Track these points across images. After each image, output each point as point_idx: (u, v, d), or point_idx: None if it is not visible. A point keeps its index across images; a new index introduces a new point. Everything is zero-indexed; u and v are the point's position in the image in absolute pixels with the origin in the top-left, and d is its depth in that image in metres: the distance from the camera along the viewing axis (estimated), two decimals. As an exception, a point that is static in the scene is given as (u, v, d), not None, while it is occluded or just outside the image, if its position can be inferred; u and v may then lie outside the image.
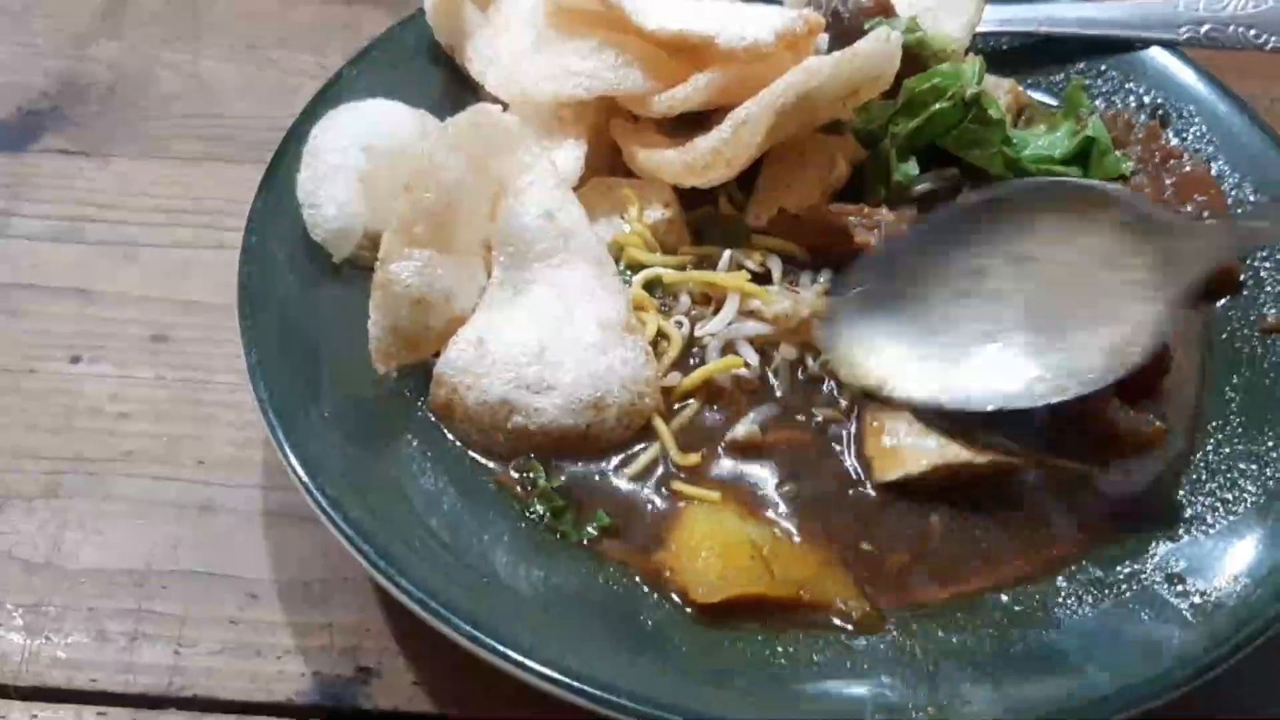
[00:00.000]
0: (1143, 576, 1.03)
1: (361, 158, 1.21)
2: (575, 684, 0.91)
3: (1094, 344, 1.08)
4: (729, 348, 1.17)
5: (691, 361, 1.17)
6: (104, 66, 1.67)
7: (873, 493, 1.10)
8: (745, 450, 1.12)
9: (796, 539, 1.06)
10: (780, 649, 0.98)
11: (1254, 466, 1.10)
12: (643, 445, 1.12)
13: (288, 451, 1.02)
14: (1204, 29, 1.45)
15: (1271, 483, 1.08)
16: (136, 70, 1.67)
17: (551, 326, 1.13)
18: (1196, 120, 1.40)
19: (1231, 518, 1.06)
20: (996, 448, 1.11)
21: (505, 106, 1.28)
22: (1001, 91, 1.38)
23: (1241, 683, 1.00)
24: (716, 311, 1.19)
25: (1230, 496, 1.08)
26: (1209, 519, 1.07)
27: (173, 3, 1.79)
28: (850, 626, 1.00)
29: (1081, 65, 1.49)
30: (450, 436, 1.11)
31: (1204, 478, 1.11)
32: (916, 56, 1.31)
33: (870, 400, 1.14)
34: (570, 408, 1.09)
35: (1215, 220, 1.12)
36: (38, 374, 1.29)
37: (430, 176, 1.11)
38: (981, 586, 1.04)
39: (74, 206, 1.47)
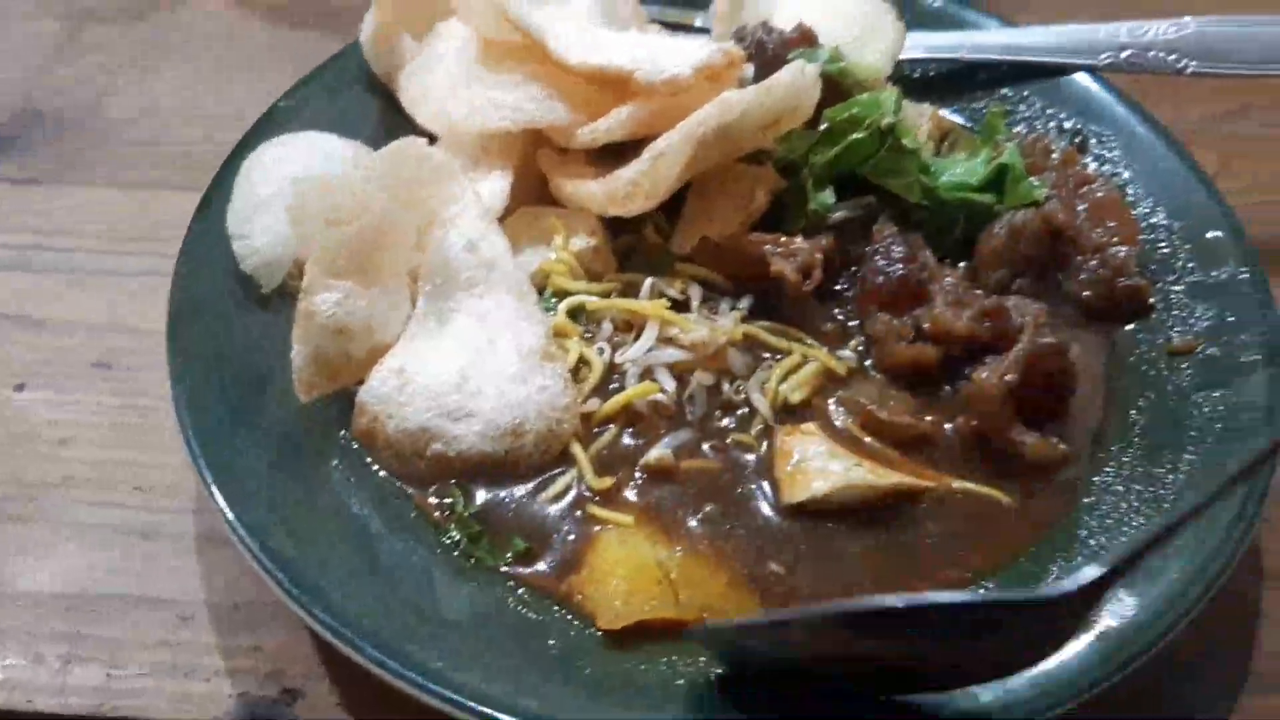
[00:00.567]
0: (1038, 596, 1.06)
1: (290, 191, 1.24)
2: (483, 709, 0.94)
3: None
4: (648, 374, 1.20)
5: (611, 387, 1.20)
6: (55, 94, 1.70)
7: (781, 515, 1.13)
8: (659, 474, 1.15)
9: (706, 561, 1.09)
10: (686, 671, 1.01)
11: (1150, 489, 1.13)
12: (560, 469, 1.15)
13: (208, 478, 1.06)
14: (1124, 54, 1.49)
15: (1165, 505, 1.11)
16: (88, 98, 1.70)
17: (472, 356, 1.16)
18: (1115, 145, 1.44)
19: (1123, 539, 1.09)
20: (902, 470, 1.15)
21: (433, 139, 1.31)
22: (923, 119, 1.41)
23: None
24: (638, 338, 1.23)
25: (1125, 519, 1.11)
26: (1104, 541, 1.10)
27: (125, 32, 1.82)
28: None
29: (1005, 91, 1.52)
30: (372, 463, 1.14)
31: (1101, 500, 1.14)
32: (839, 86, 1.35)
33: (781, 425, 1.18)
34: (489, 435, 1.12)
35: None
36: (-19, 401, 1.32)
37: (353, 209, 1.15)
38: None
39: (22, 234, 1.50)
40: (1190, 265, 1.31)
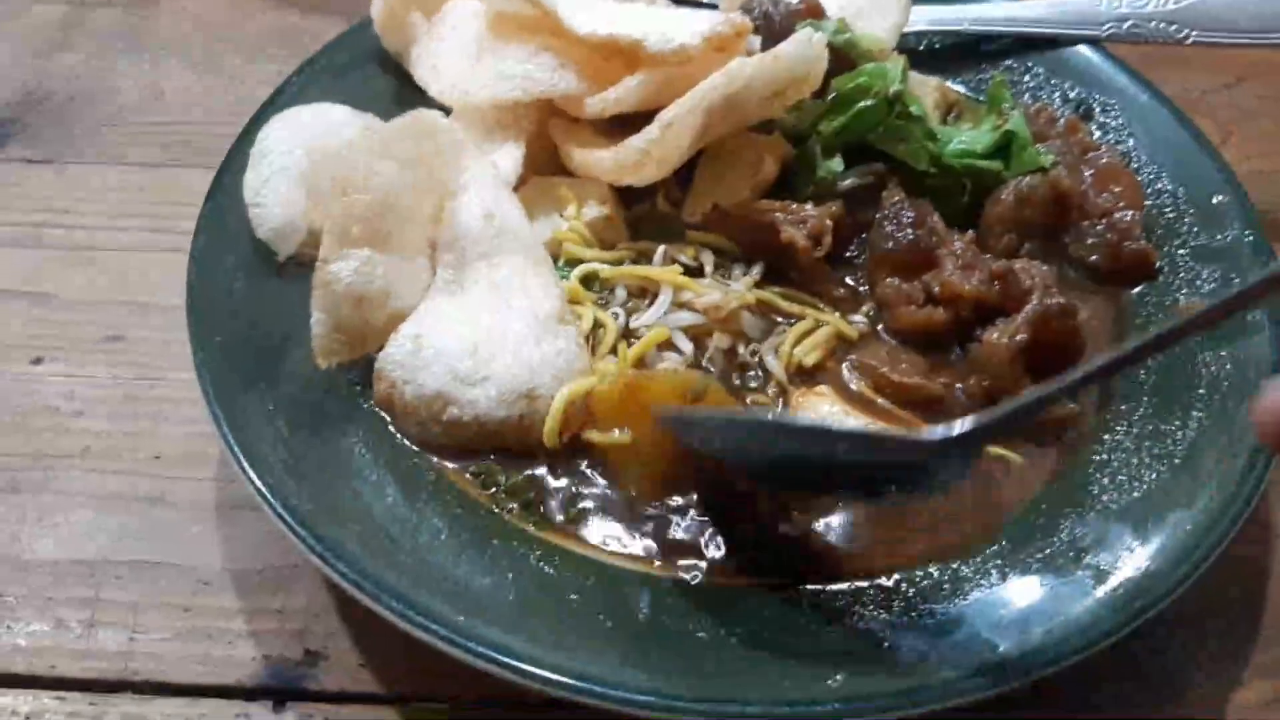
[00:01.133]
0: (1050, 551, 1.07)
1: (305, 159, 1.25)
2: (505, 659, 0.95)
3: None
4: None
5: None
6: (63, 77, 1.71)
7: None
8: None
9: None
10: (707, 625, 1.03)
11: (1160, 445, 1.15)
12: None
13: (231, 442, 1.07)
14: (1126, 25, 1.50)
15: (1176, 460, 1.13)
16: (95, 80, 1.71)
17: (488, 321, 1.17)
18: (1118, 113, 1.46)
19: (1136, 495, 1.11)
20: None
21: (448, 111, 1.32)
22: (928, 89, 1.43)
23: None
24: (652, 305, 1.24)
25: (1136, 475, 1.13)
26: (1115, 497, 1.11)
27: (130, 14, 1.83)
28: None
29: (1009, 62, 1.54)
30: (393, 428, 1.15)
31: (1112, 457, 1.15)
32: (846, 57, 1.36)
33: (795, 388, 1.19)
34: (503, 399, 1.13)
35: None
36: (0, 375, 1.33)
37: (364, 180, 1.16)
38: (893, 563, 1.08)
39: (33, 213, 1.51)
40: (1195, 229, 1.33)
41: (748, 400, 1.19)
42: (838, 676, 0.97)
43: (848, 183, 1.31)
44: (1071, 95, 1.50)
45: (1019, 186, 1.31)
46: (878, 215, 1.29)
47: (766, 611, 1.04)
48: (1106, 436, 1.17)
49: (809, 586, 1.06)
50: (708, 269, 1.27)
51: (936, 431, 0.94)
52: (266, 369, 1.16)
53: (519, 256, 1.22)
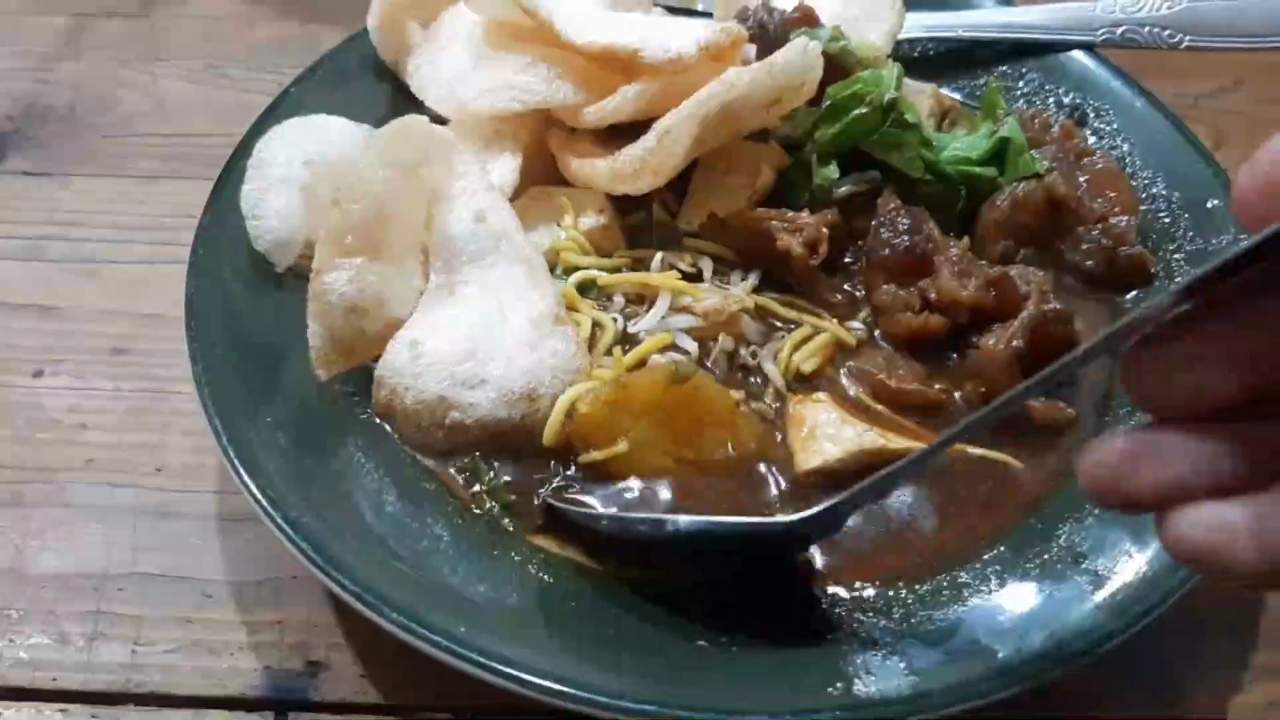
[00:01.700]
0: (1049, 557, 1.08)
1: (303, 171, 1.26)
2: (506, 670, 0.95)
3: None
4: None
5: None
6: (65, 88, 1.72)
7: (793, 484, 1.15)
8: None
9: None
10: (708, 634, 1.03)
11: (1156, 449, 1.15)
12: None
13: (232, 455, 1.07)
14: (1120, 30, 1.51)
15: (1173, 464, 1.13)
16: (97, 91, 1.72)
17: (484, 324, 1.17)
18: (1112, 118, 1.46)
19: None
20: (913, 436, 1.17)
21: (444, 122, 1.33)
22: (923, 96, 1.43)
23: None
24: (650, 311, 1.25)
25: (1134, 478, 1.13)
26: (1113, 500, 1.12)
27: (132, 25, 1.84)
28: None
29: (1003, 68, 1.55)
30: (393, 437, 1.16)
31: (1109, 461, 1.15)
32: (841, 65, 1.37)
33: (793, 394, 1.20)
34: (504, 400, 1.14)
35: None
36: (3, 388, 1.33)
37: (357, 189, 1.16)
38: (892, 570, 1.08)
39: (36, 226, 1.51)
40: (1190, 234, 1.33)
41: (750, 405, 1.20)
42: (838, 684, 0.97)
43: (843, 190, 1.32)
44: (1066, 101, 1.50)
45: (1014, 193, 1.31)
46: (874, 222, 1.29)
47: (767, 620, 1.04)
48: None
49: (809, 595, 1.06)
50: (706, 275, 1.27)
51: (790, 518, 1.03)
52: (265, 381, 1.16)
53: (511, 258, 1.22)
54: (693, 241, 1.30)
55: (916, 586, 1.07)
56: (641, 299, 1.26)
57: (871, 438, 1.14)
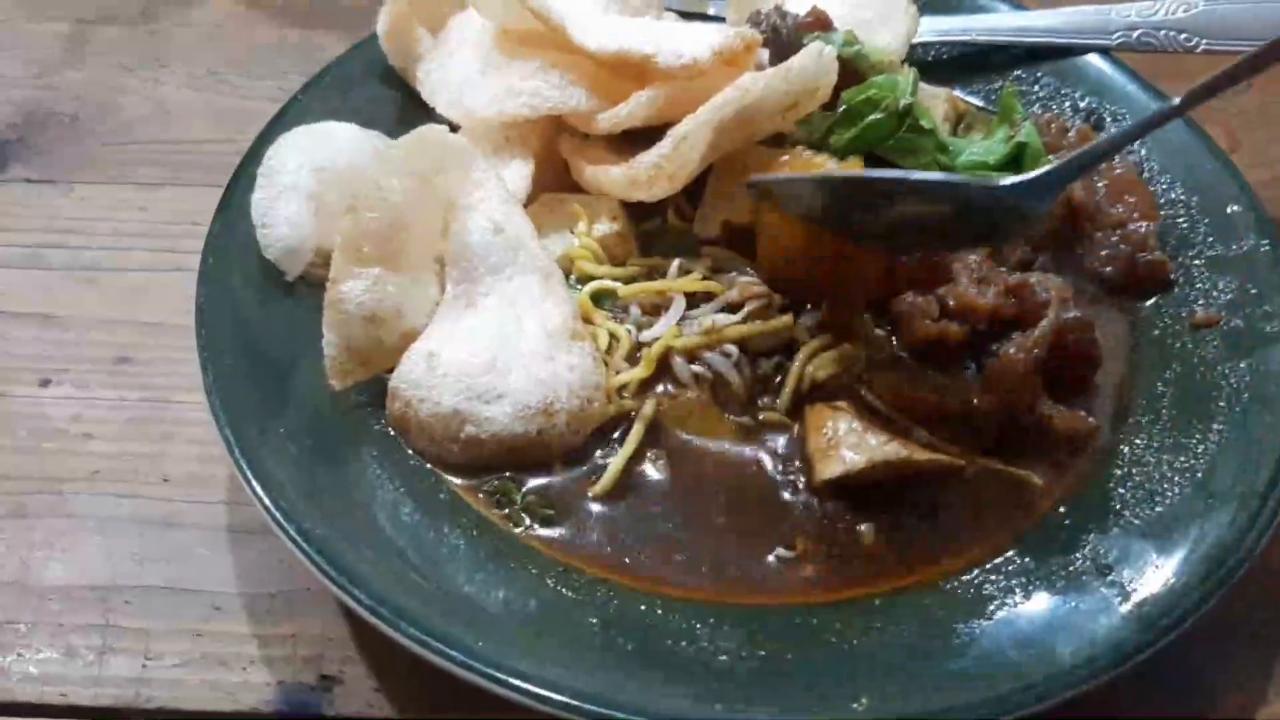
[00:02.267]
0: (1074, 568, 1.06)
1: (313, 178, 1.24)
2: (523, 685, 0.94)
3: None
4: (688, 354, 1.20)
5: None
6: (67, 95, 1.70)
7: (811, 493, 1.14)
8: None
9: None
10: (726, 648, 1.02)
11: (1181, 459, 1.14)
12: (594, 450, 1.16)
13: (244, 466, 1.05)
14: (1136, 34, 1.50)
15: (1198, 474, 1.12)
16: (99, 98, 1.70)
17: (501, 337, 1.16)
18: (1128, 121, 1.45)
19: (1159, 509, 1.10)
20: (935, 447, 1.15)
21: (455, 128, 1.31)
22: (939, 101, 1.42)
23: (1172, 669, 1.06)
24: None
25: (1158, 489, 1.12)
26: (1138, 511, 1.10)
27: (134, 31, 1.82)
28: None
29: (1018, 72, 1.54)
30: (407, 448, 1.14)
31: (1133, 471, 1.14)
32: (855, 69, 1.35)
33: (814, 400, 1.18)
34: (520, 415, 1.12)
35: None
36: (7, 398, 1.32)
37: (374, 198, 1.15)
38: (915, 581, 1.07)
39: (38, 234, 1.50)
40: (1210, 239, 1.32)
41: (759, 418, 1.19)
42: (863, 699, 0.96)
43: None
44: (1082, 105, 1.49)
45: (1032, 198, 1.29)
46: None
47: (790, 632, 1.03)
48: (1126, 450, 1.16)
49: (831, 606, 1.05)
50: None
51: (1009, 179, 1.10)
52: (277, 391, 1.14)
53: (528, 270, 1.21)
54: (709, 249, 1.29)
55: (940, 598, 1.06)
56: (658, 310, 1.24)
57: (894, 448, 1.12)
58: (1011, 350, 1.17)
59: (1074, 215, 1.30)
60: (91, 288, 1.44)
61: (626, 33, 1.29)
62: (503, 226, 1.20)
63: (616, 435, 1.17)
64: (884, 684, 0.98)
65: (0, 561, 1.17)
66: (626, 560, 1.08)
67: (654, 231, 1.33)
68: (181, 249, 1.46)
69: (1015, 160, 1.32)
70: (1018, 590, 1.05)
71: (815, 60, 1.26)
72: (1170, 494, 1.11)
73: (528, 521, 1.10)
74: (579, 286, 1.25)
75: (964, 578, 1.07)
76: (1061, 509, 1.13)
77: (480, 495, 1.12)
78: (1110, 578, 1.05)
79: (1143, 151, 1.42)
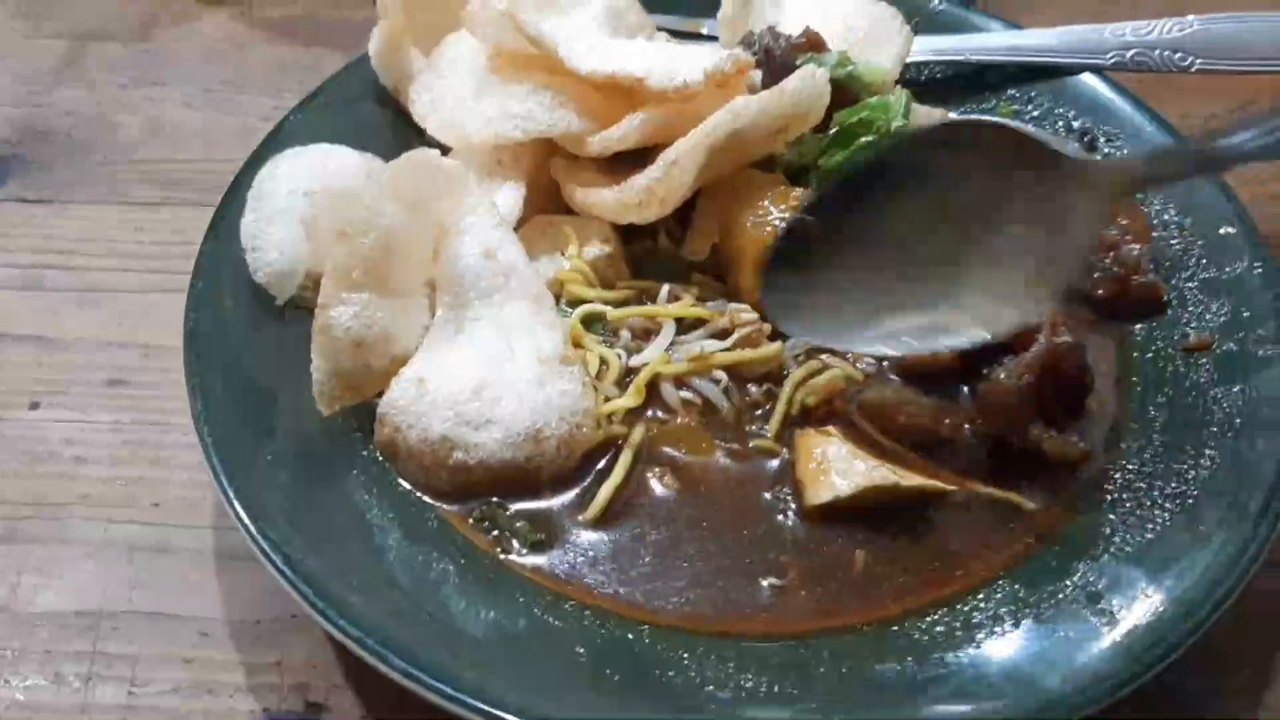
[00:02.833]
0: (1063, 596, 1.06)
1: (305, 202, 1.24)
2: (511, 717, 0.93)
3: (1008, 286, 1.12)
4: (678, 381, 1.21)
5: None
6: (64, 113, 1.71)
7: (801, 519, 1.13)
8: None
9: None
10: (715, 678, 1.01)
11: (1173, 484, 1.13)
12: (582, 477, 1.16)
13: (230, 494, 1.05)
14: (1130, 53, 1.49)
15: (1189, 500, 1.11)
16: (96, 116, 1.71)
17: (491, 363, 1.16)
18: (1123, 142, 1.44)
19: (1149, 536, 1.09)
20: (925, 471, 1.15)
21: (446, 150, 1.31)
22: (931, 121, 1.41)
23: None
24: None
25: (1149, 515, 1.11)
26: (1128, 537, 1.10)
27: (131, 49, 1.83)
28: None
29: (1012, 92, 1.53)
30: (395, 475, 1.14)
31: (1124, 496, 1.13)
32: (848, 90, 1.35)
33: (804, 425, 1.18)
34: (509, 441, 1.12)
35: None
36: (-1, 421, 1.32)
37: (365, 222, 1.14)
38: (904, 609, 1.06)
39: (32, 254, 1.50)
40: (1203, 261, 1.31)
41: (750, 445, 1.19)
42: (848, 730, 0.96)
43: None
44: (1075, 125, 1.48)
45: (1025, 220, 1.29)
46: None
47: (777, 662, 1.02)
48: (1118, 475, 1.15)
49: (820, 637, 1.04)
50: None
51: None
52: (265, 417, 1.14)
53: (520, 295, 1.20)
54: (700, 277, 1.29)
55: (927, 626, 1.05)
56: (648, 334, 1.24)
57: (883, 473, 1.12)
58: (1002, 375, 1.17)
59: (1067, 237, 1.29)
60: (86, 309, 1.44)
61: (619, 55, 1.28)
62: (495, 251, 1.20)
63: (602, 465, 1.16)
64: (872, 712, 0.97)
65: (-10, 586, 1.17)
66: (616, 589, 1.08)
67: (644, 254, 1.32)
68: (177, 270, 1.44)
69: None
70: (1006, 618, 1.05)
71: (809, 82, 1.26)
72: (1161, 520, 1.10)
73: (516, 547, 1.10)
74: (569, 310, 1.25)
75: (953, 605, 1.06)
76: (1051, 535, 1.12)
77: (469, 521, 1.12)
78: (1100, 606, 1.04)
79: (1136, 173, 1.41)
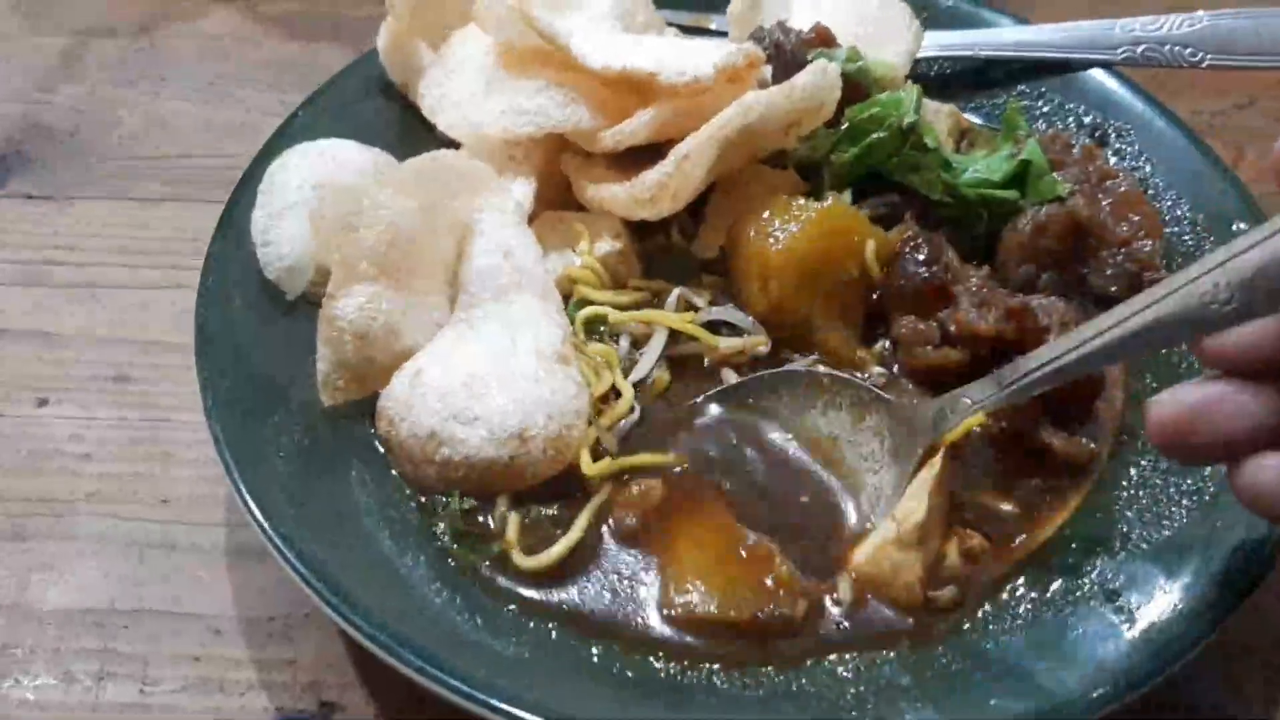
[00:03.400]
0: (1081, 594, 1.05)
1: (313, 196, 1.23)
2: (524, 715, 0.93)
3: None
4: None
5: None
6: (66, 110, 1.70)
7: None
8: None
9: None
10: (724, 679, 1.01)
11: (1188, 481, 1.12)
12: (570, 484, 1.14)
13: (243, 489, 1.04)
14: (1140, 49, 1.49)
15: (1205, 496, 1.11)
16: (98, 112, 1.70)
17: (490, 357, 1.14)
18: (1134, 139, 1.44)
19: (1166, 533, 1.09)
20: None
21: (454, 146, 1.30)
22: (942, 117, 1.41)
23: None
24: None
25: (1165, 512, 1.10)
26: (1145, 535, 1.09)
27: (133, 45, 1.82)
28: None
29: (1022, 88, 1.52)
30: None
31: (1140, 494, 1.13)
32: (858, 85, 1.34)
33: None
34: (494, 438, 1.09)
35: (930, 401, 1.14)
36: (4, 417, 1.31)
37: (372, 214, 1.14)
38: (914, 608, 1.06)
39: (36, 250, 1.50)
40: (1216, 257, 1.31)
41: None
42: (866, 728, 0.95)
43: (863, 213, 1.29)
44: (1086, 120, 1.48)
45: (1036, 216, 1.28)
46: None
47: (784, 675, 1.01)
48: (1133, 473, 1.15)
49: (829, 643, 1.04)
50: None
51: None
52: (277, 413, 1.13)
53: (530, 294, 1.20)
54: (711, 279, 1.29)
55: (940, 626, 1.05)
56: (649, 338, 1.24)
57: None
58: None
59: (1079, 233, 1.28)
60: (90, 305, 1.43)
61: (629, 51, 1.28)
62: (512, 250, 1.19)
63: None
64: (887, 715, 0.97)
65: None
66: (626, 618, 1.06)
67: (655, 250, 1.32)
68: (181, 265, 1.45)
69: (1019, 177, 1.31)
70: (1023, 617, 1.04)
71: (820, 77, 1.25)
72: (1178, 517, 1.10)
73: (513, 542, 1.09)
74: (576, 308, 1.24)
75: (966, 603, 1.06)
76: (1067, 534, 1.11)
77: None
78: (1118, 603, 1.04)
79: (1147, 167, 1.41)
